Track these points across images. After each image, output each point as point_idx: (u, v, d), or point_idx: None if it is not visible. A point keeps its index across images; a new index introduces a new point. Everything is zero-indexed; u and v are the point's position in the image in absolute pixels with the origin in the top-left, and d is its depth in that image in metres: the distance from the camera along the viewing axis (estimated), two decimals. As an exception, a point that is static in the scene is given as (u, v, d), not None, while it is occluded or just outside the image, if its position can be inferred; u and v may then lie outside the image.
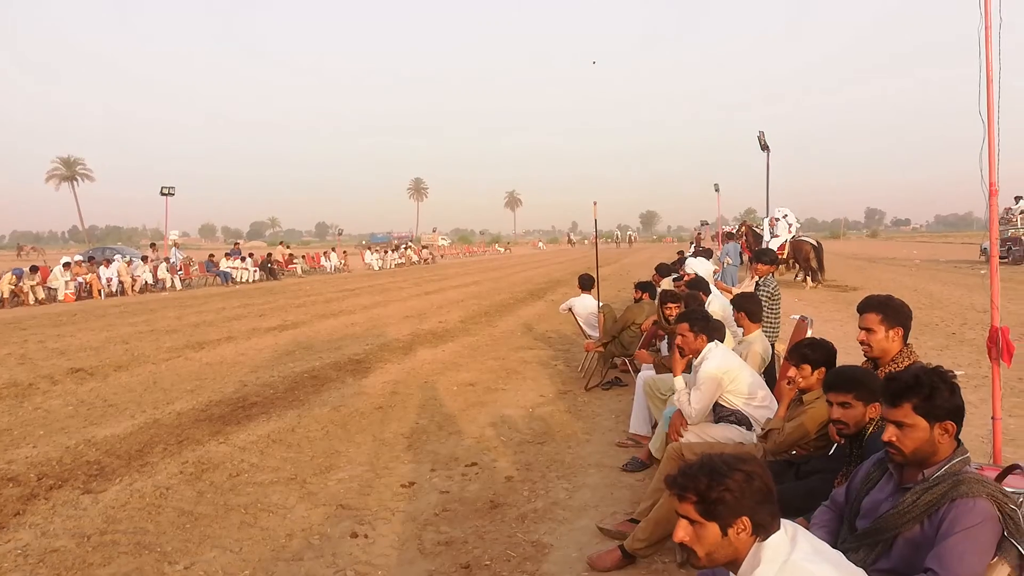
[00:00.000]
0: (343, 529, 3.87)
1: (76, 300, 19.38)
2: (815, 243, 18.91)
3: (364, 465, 4.95)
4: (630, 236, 72.43)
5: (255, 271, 27.56)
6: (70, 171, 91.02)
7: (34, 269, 19.34)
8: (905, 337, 3.02)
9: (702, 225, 48.44)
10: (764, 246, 16.57)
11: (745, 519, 1.69)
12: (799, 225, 21.30)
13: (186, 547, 3.66)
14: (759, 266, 5.97)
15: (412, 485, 4.54)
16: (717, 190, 33.63)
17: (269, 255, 29.94)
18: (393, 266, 39.03)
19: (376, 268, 36.24)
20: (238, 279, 26.29)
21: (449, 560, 3.48)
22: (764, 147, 22.27)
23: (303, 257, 34.06)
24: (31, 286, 18.68)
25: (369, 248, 45.47)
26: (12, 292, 18.18)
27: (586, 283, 8.14)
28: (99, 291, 20.55)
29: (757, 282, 5.96)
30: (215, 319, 13.91)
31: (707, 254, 13.94)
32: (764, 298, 5.76)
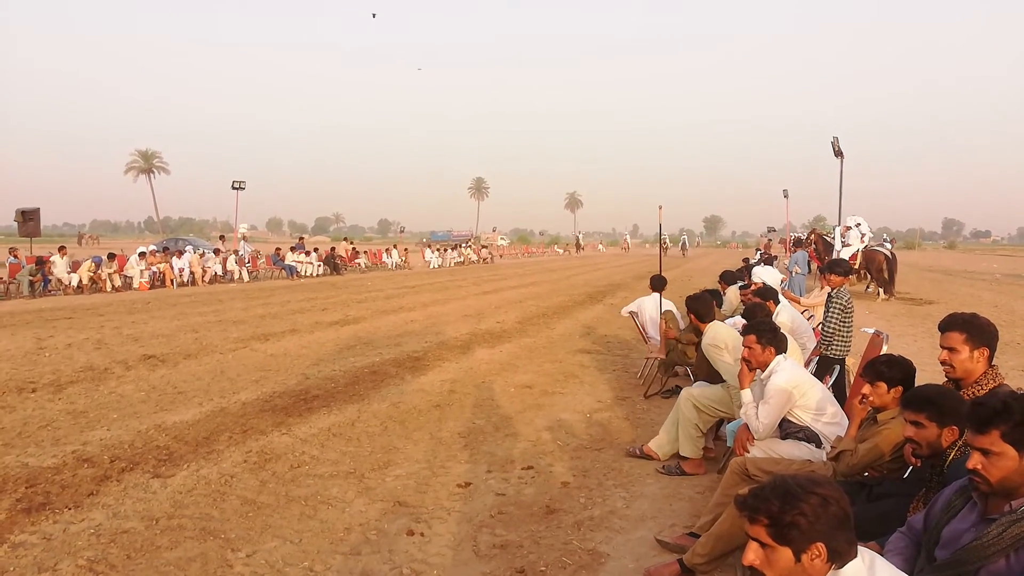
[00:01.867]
0: (399, 526, 3.90)
1: (150, 289, 20.17)
2: (889, 253, 18.23)
3: (421, 463, 4.99)
4: (683, 243, 65.14)
5: (319, 266, 28.20)
6: (147, 163, 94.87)
7: (111, 257, 20.22)
8: (990, 358, 2.86)
9: (769, 232, 47.31)
10: (835, 255, 16.05)
11: (820, 545, 1.62)
12: (872, 235, 20.57)
13: (248, 535, 3.75)
14: (832, 277, 5.76)
15: (468, 485, 4.55)
16: (786, 196, 32.72)
17: (332, 250, 30.58)
18: (452, 264, 39.37)
19: (435, 266, 36.60)
20: (303, 273, 26.95)
21: (504, 563, 3.47)
22: (838, 153, 21.56)
23: (365, 253, 34.66)
24: (109, 274, 19.54)
25: (428, 246, 45.99)
26: (91, 279, 19.06)
27: (658, 284, 8.02)
28: (171, 280, 21.34)
29: (830, 294, 5.76)
30: (280, 312, 14.28)
31: (770, 261, 13.58)
32: (836, 311, 5.57)
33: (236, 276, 24.17)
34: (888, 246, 19.83)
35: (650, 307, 7.87)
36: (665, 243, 26.77)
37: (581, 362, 9.02)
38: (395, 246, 37.85)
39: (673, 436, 4.90)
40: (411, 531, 3.83)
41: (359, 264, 32.08)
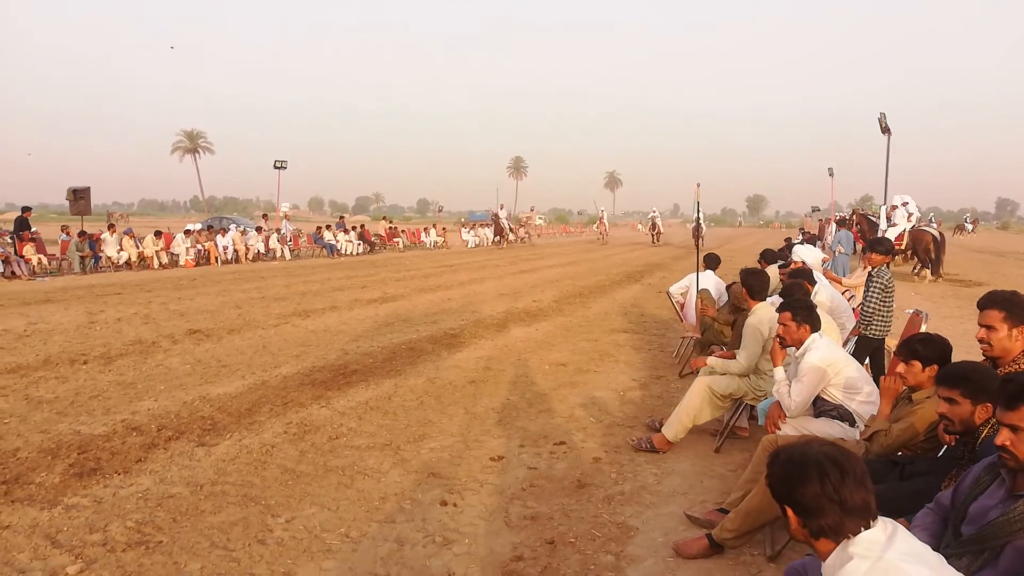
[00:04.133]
0: (433, 496, 3.99)
1: (195, 266, 20.69)
2: (937, 234, 17.73)
3: (455, 436, 5.08)
4: (697, 222, 35.08)
5: (359, 244, 28.55)
6: (193, 143, 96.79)
7: (158, 234, 20.77)
8: None
9: (812, 211, 46.20)
10: (880, 235, 15.66)
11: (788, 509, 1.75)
12: (919, 214, 20.02)
13: (288, 502, 3.88)
14: (873, 255, 5.65)
15: (501, 459, 4.62)
16: (831, 174, 31.95)
17: (362, 226, 30.85)
18: (490, 244, 39.43)
19: (471, 246, 36.72)
20: (343, 251, 27.32)
21: (534, 534, 3.53)
22: (885, 130, 20.99)
23: (404, 232, 34.94)
24: (156, 251, 20.09)
25: (464, 225, 46.09)
26: (139, 256, 19.63)
27: (713, 261, 7.95)
28: (216, 258, 21.85)
29: (870, 272, 5.65)
30: (320, 289, 14.53)
31: (812, 241, 13.32)
32: (876, 290, 5.46)
33: (278, 254, 24.63)
34: (935, 227, 19.25)
35: (704, 285, 7.79)
36: (700, 224, 25.07)
37: (616, 341, 9.01)
38: (434, 225, 38.08)
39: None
40: (444, 501, 3.92)
41: (398, 243, 32.37)
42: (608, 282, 16.94)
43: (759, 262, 8.71)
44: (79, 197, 21.74)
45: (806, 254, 10.16)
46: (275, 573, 3.13)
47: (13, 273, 16.24)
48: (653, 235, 40.24)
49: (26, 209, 19.35)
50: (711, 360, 5.08)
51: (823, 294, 6.12)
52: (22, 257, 16.94)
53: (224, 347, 8.15)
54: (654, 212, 41.19)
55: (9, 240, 17.61)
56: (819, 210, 43.34)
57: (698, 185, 9.49)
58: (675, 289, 8.24)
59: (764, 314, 4.82)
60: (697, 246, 8.86)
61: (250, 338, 8.74)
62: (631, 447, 4.82)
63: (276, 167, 33.02)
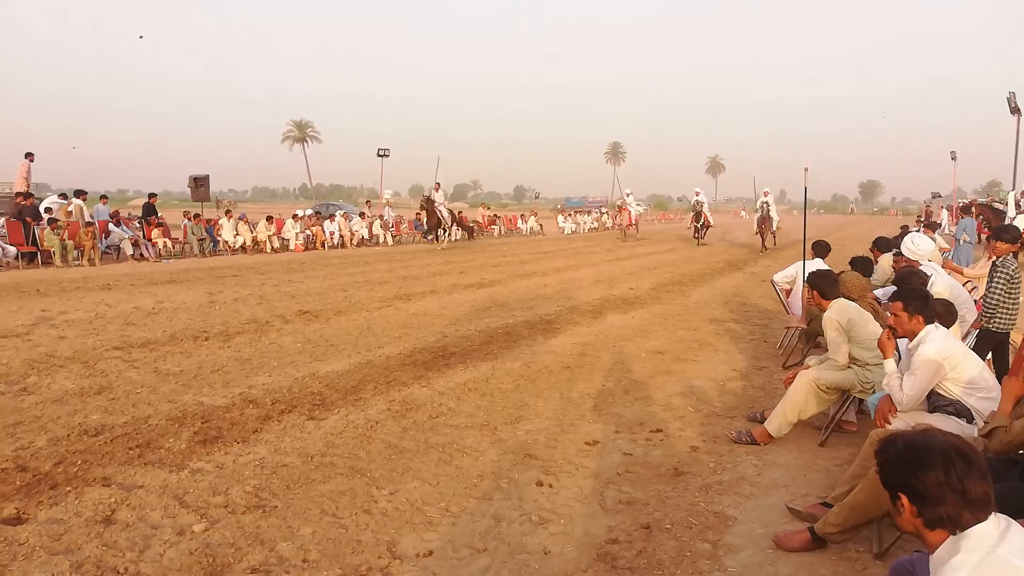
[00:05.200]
0: (529, 477, 4.06)
1: (304, 250, 21.68)
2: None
3: (551, 420, 5.13)
4: (763, 207, 22.93)
5: (457, 231, 29.06)
6: (301, 133, 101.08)
7: (270, 220, 21.88)
8: None
9: (933, 197, 43.36)
10: (1007, 223, 14.54)
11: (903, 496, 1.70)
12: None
13: (391, 475, 4.05)
14: (998, 244, 5.28)
15: (596, 444, 4.64)
16: (953, 158, 29.91)
17: (460, 212, 31.35)
18: (587, 231, 39.26)
19: (567, 232, 36.66)
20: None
21: (630, 518, 3.54)
22: (1015, 110, 19.44)
23: (501, 219, 35.28)
24: (268, 236, 21.18)
25: (561, 212, 46.03)
26: (253, 240, 20.76)
27: (822, 249, 7.65)
28: (323, 243, 22.81)
29: (994, 262, 5.29)
30: (420, 274, 14.93)
31: (932, 228, 12.53)
32: (1001, 281, 5.11)
33: (381, 240, 25.44)
34: None
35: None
36: (766, 211, 21.94)
37: (716, 330, 8.82)
38: (533, 213, 38.28)
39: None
40: (540, 482, 3.98)
41: (495, 230, 32.74)
42: (708, 270, 16.54)
43: (872, 250, 8.29)
44: (199, 185, 23.19)
45: (922, 243, 9.56)
46: (380, 541, 3.28)
47: (142, 255, 17.55)
48: (697, 228, 26.82)
49: (152, 195, 20.84)
50: (810, 360, 4.92)
51: (940, 284, 5.77)
52: (150, 241, 18.26)
53: (331, 328, 8.53)
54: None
55: (138, 225, 19.03)
56: (940, 196, 40.66)
57: (806, 169, 9.10)
58: (780, 278, 7.95)
59: (838, 306, 4.68)
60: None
61: (355, 319, 9.10)
62: (730, 440, 4.72)
63: (379, 155, 34.00)
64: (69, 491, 3.72)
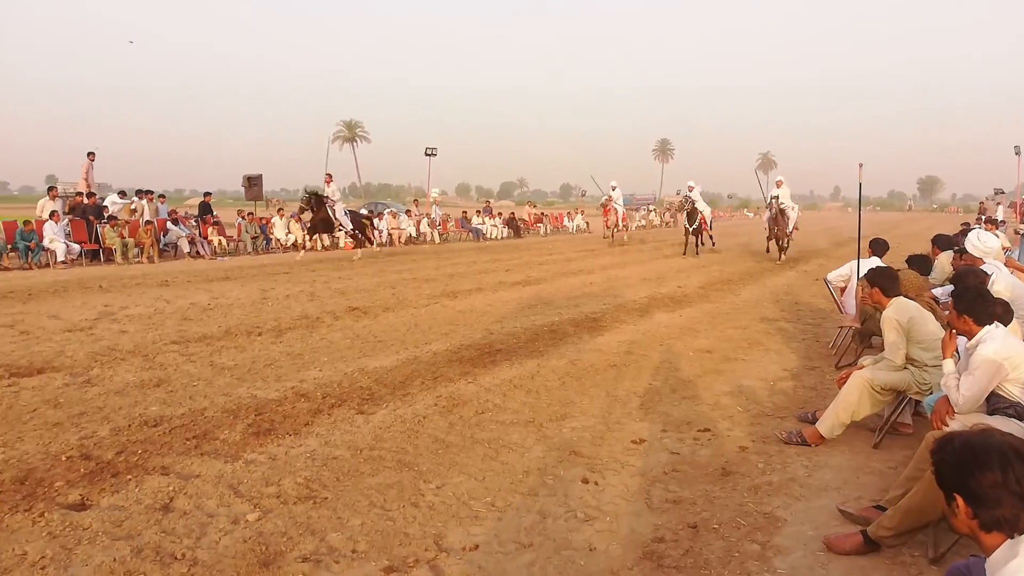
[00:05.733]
0: (575, 474, 4.06)
1: (353, 248, 22.00)
2: None
3: (597, 417, 5.12)
4: (774, 202, 17.56)
5: (503, 229, 29.18)
6: (351, 133, 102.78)
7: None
8: None
9: (996, 194, 41.77)
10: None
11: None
12: None
13: (438, 469, 4.10)
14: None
15: (643, 442, 4.61)
16: (1017, 153, 28.80)
17: (512, 215, 31.42)
18: (634, 228, 38.95)
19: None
20: (488, 235, 28.04)
21: (676, 517, 3.52)
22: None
23: (547, 217, 35.26)
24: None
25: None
26: (304, 238, 21.16)
27: (880, 247, 7.45)
28: (371, 241, 23.12)
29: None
30: (467, 271, 15.03)
31: (995, 225, 12.06)
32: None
33: (428, 238, 25.69)
34: None
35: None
36: (781, 209, 17.23)
37: (767, 329, 8.67)
38: (580, 211, 38.14)
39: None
40: (586, 479, 3.98)
41: (541, 228, 32.74)
42: (759, 268, 16.25)
43: (932, 248, 8.03)
44: (252, 184, 23.78)
45: (988, 240, 9.22)
46: (427, 534, 3.33)
47: (198, 253, 18.07)
48: (689, 231, 20.18)
49: (207, 194, 21.44)
50: (864, 360, 4.80)
51: (1001, 283, 5.56)
52: (205, 239, 18.79)
53: (380, 324, 8.65)
54: (690, 194, 20.47)
55: (194, 223, 19.59)
56: (1003, 192, 39.13)
57: (860, 165, 8.88)
58: (834, 276, 7.77)
59: (898, 304, 4.54)
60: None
61: (403, 316, 9.22)
62: (780, 440, 4.64)
63: (427, 154, 34.36)
64: (130, 479, 3.87)
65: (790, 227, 17.38)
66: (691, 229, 19.99)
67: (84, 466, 4.03)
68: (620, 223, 25.07)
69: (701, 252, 20.31)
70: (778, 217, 17.05)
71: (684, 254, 19.43)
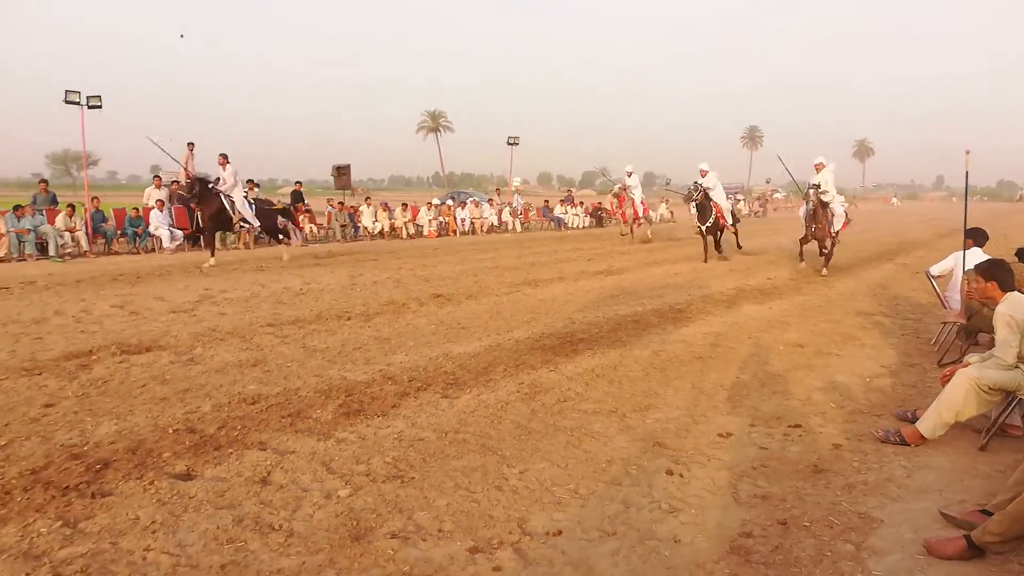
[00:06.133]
0: (659, 465, 4.02)
1: (437, 236, 22.39)
2: None
3: (681, 409, 5.04)
4: (812, 192, 12.63)
5: (586, 218, 29.01)
6: (435, 123, 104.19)
7: (405, 207, 22.77)
8: None
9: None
10: None
11: None
12: None
13: (521, 455, 4.14)
14: None
15: (730, 436, 4.52)
16: None
17: (599, 204, 31.18)
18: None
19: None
20: (570, 224, 27.95)
21: (765, 513, 3.43)
22: None
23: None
24: (404, 222, 22.05)
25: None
26: (390, 226, 21.69)
27: (980, 236, 7.04)
28: (454, 230, 23.46)
29: None
30: (548, 260, 15.03)
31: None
32: None
33: (510, 226, 25.82)
34: None
35: (972, 265, 6.91)
36: (815, 200, 12.56)
37: (862, 324, 8.30)
38: (663, 200, 37.47)
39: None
40: (670, 471, 3.93)
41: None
42: (854, 260, 15.53)
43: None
44: (341, 173, 24.48)
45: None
46: (511, 517, 3.37)
47: (290, 240, 18.76)
48: (704, 231, 15.63)
49: (298, 183, 22.21)
50: (970, 357, 4.53)
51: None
52: (297, 226, 19.48)
53: (463, 311, 8.78)
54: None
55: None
56: None
57: (967, 152, 8.35)
58: (936, 270, 7.35)
59: (1012, 300, 4.27)
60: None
61: (485, 303, 9.32)
62: (876, 439, 4.45)
63: (509, 143, 34.40)
64: (231, 452, 4.08)
65: (836, 226, 13.01)
66: (705, 228, 15.48)
67: (189, 439, 4.28)
68: (641, 215, 20.80)
69: (728, 253, 16.19)
70: (817, 212, 12.62)
71: (705, 261, 15.08)
